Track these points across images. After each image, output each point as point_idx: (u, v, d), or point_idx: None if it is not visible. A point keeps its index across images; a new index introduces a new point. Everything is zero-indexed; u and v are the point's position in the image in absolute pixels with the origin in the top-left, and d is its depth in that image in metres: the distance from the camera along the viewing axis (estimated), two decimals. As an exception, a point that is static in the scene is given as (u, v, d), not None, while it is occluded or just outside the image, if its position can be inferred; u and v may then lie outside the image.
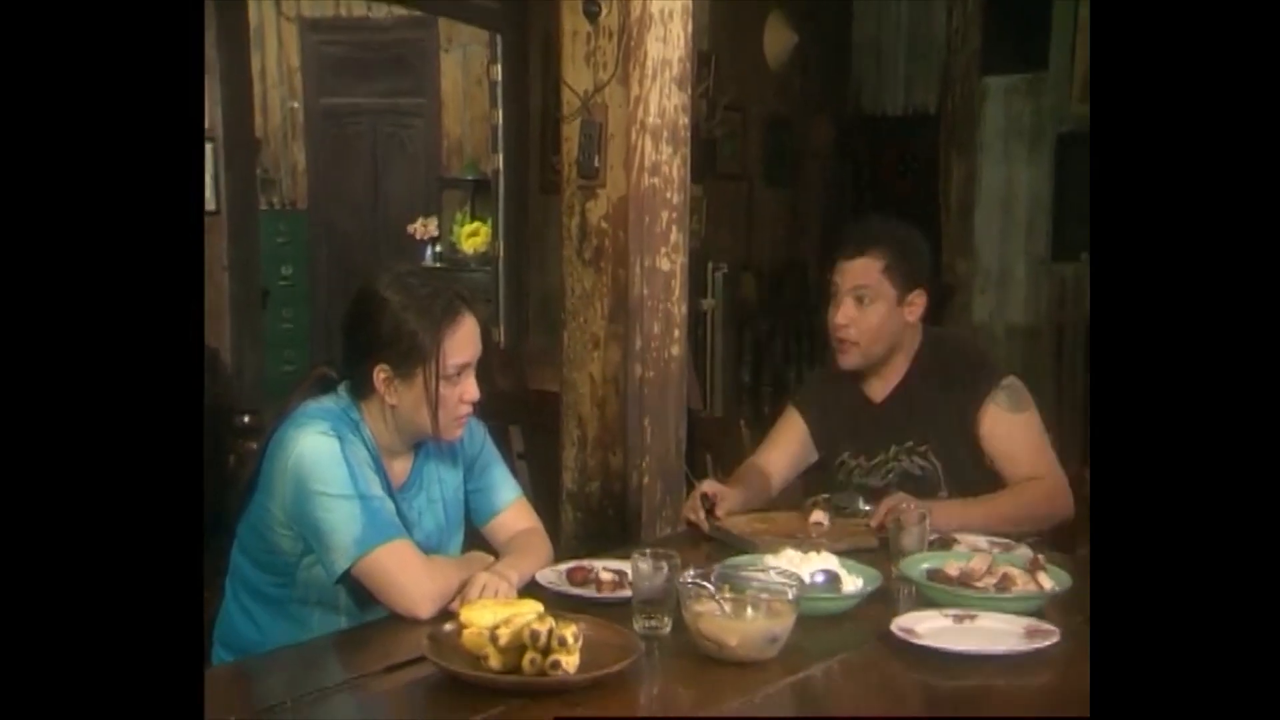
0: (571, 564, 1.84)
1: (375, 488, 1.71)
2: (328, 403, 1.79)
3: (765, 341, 6.26)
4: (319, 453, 1.68)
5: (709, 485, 2.21)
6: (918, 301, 2.27)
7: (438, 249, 7.07)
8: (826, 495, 2.26)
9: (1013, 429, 2.21)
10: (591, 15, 2.40)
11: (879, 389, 2.32)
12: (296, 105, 7.55)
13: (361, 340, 1.78)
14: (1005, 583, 1.73)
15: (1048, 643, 1.54)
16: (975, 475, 2.22)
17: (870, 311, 2.24)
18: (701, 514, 2.15)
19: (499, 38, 5.59)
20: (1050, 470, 2.20)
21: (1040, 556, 1.82)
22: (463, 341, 1.77)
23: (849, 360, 2.28)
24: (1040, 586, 1.73)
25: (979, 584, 1.73)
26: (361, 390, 1.79)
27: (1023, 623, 1.61)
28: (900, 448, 2.28)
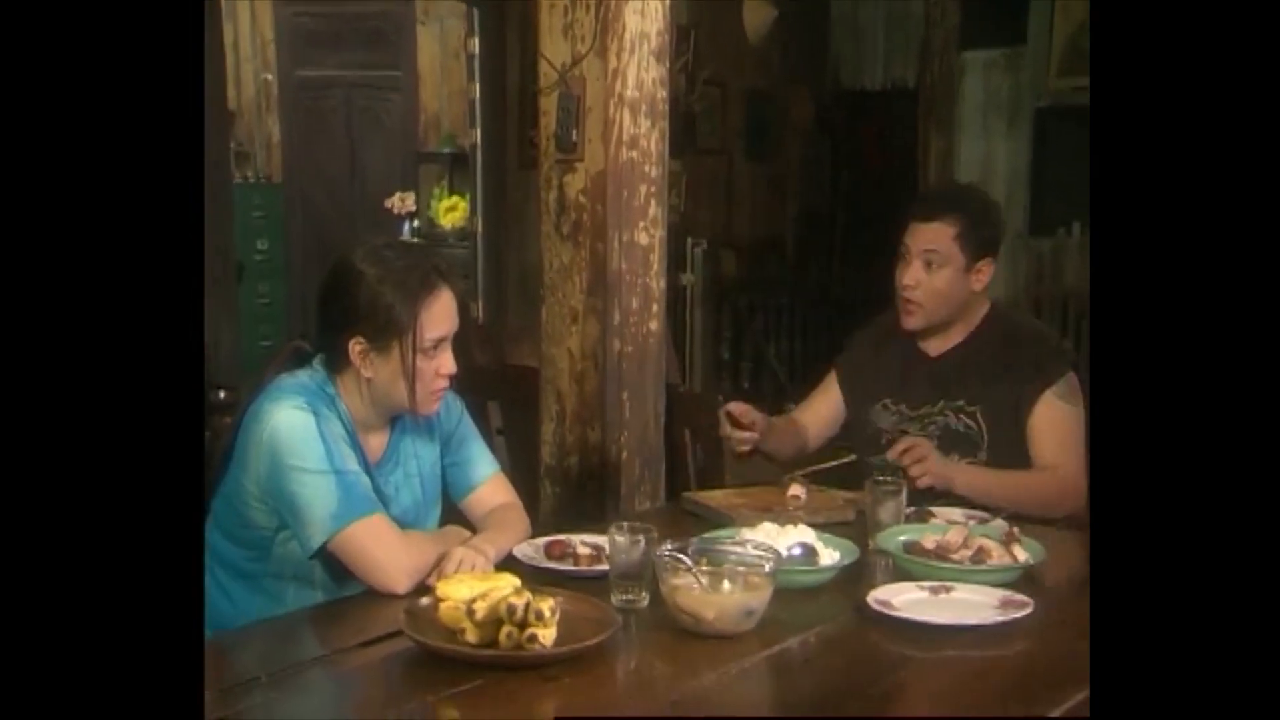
0: (549, 538, 1.84)
1: (351, 462, 1.70)
2: (303, 376, 1.78)
3: (744, 317, 6.26)
4: (294, 427, 1.67)
5: (734, 405, 2.27)
6: (985, 270, 2.30)
7: (415, 224, 7.02)
8: (803, 471, 2.27)
9: (1056, 419, 2.23)
10: (569, -13, 2.38)
11: (936, 346, 2.35)
12: (270, 78, 7.46)
13: (337, 313, 1.77)
14: (981, 555, 1.74)
15: (1022, 614, 1.55)
16: (1018, 448, 2.24)
17: (937, 276, 2.27)
18: (728, 428, 2.24)
19: (476, 10, 5.54)
20: (1069, 465, 2.21)
21: (1015, 529, 1.83)
22: (440, 314, 1.76)
23: (913, 321, 2.31)
24: (1015, 559, 1.74)
25: (955, 556, 1.74)
26: (337, 364, 1.78)
27: (998, 594, 1.62)
28: (950, 403, 2.30)
